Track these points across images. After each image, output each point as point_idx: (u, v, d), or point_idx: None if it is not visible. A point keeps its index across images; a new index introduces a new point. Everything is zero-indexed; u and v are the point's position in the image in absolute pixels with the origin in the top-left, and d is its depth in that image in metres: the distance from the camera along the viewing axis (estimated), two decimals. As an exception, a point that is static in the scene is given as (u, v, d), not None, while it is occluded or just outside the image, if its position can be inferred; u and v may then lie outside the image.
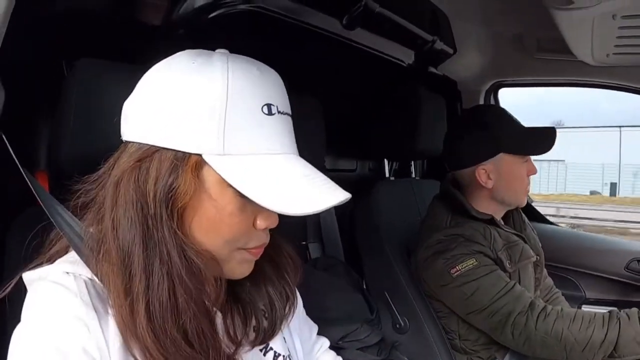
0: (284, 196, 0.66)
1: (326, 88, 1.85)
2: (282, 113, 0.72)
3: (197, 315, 0.68)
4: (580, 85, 2.40)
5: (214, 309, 0.77)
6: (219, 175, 0.68)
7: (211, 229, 0.72)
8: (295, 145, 0.75)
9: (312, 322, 1.06)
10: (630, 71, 2.12)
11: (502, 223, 1.73)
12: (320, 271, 1.73)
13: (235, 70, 0.69)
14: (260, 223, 0.74)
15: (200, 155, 0.68)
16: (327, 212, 1.86)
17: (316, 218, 1.88)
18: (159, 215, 0.68)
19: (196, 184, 0.69)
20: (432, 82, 2.21)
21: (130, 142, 0.71)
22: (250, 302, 0.84)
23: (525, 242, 1.74)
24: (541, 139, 1.64)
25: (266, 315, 0.85)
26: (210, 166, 0.68)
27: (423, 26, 1.79)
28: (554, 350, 1.48)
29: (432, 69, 2.23)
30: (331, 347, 1.08)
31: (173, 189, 0.68)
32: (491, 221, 1.67)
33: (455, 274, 1.57)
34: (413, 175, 2.27)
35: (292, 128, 0.75)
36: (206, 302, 0.71)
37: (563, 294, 2.02)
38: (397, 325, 1.79)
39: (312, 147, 1.55)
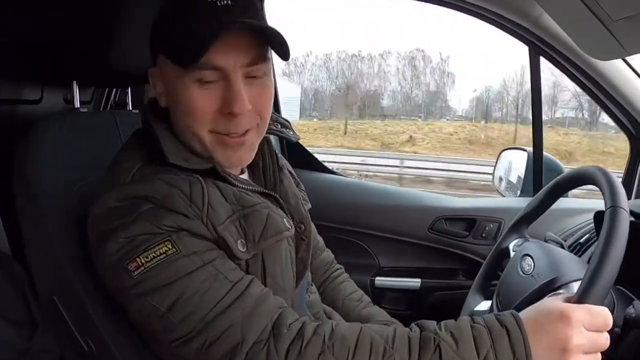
0: None
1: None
2: None
3: None
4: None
5: None
6: None
7: None
8: None
9: None
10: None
11: (235, 174, 1.04)
12: None
13: None
14: None
15: None
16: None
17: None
18: None
19: None
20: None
21: None
22: None
23: (279, 203, 1.08)
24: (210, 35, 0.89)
25: None
26: None
27: None
28: None
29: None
30: None
31: None
32: (212, 172, 0.98)
33: (137, 272, 0.85)
34: (130, 107, 1.53)
35: None
36: None
37: (353, 265, 1.53)
38: (79, 350, 1.07)
39: None
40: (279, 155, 1.19)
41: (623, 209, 0.92)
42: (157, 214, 0.87)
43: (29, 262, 1.12)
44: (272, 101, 1.02)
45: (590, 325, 0.82)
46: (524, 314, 0.87)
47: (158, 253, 0.85)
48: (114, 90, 1.71)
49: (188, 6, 0.93)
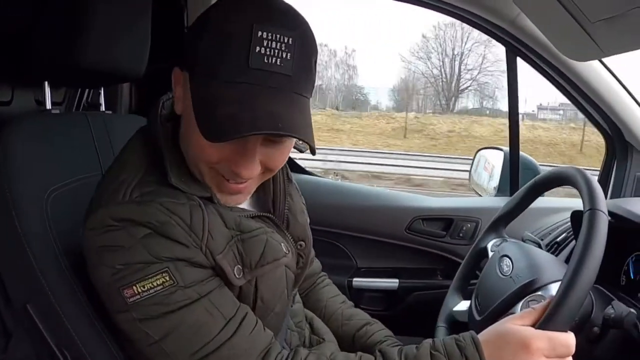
0: None
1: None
2: None
3: None
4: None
5: None
6: None
7: None
8: None
9: None
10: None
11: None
12: None
13: None
14: None
15: None
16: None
17: None
18: None
19: None
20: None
21: None
22: None
23: (278, 226, 1.03)
24: (236, 125, 0.78)
25: None
26: None
27: None
28: None
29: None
30: None
31: None
32: (210, 198, 0.94)
33: (132, 299, 0.83)
34: (103, 108, 1.46)
35: None
36: None
37: (330, 266, 1.50)
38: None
39: None
40: (289, 175, 1.14)
41: (602, 211, 0.92)
42: (155, 242, 0.84)
43: (1, 270, 1.07)
44: (287, 157, 0.95)
45: (550, 353, 0.84)
46: (484, 336, 0.89)
47: (155, 284, 0.83)
48: (86, 90, 1.67)
49: (235, 46, 0.78)
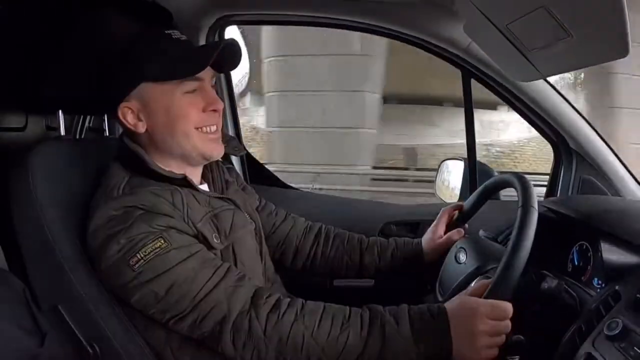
0: None
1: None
2: None
3: None
4: (322, 24, 2.06)
5: None
6: None
7: None
8: None
9: None
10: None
11: (199, 186, 1.28)
12: None
13: None
14: None
15: None
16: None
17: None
18: None
19: None
20: (136, 9, 1.63)
21: None
22: None
23: (235, 204, 1.32)
24: (203, 54, 1.21)
25: None
26: None
27: None
28: None
29: (135, -9, 1.65)
30: None
31: None
32: (184, 182, 1.21)
33: (137, 264, 1.07)
34: (107, 133, 1.66)
35: None
36: None
37: None
38: (84, 354, 1.22)
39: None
40: (224, 168, 1.42)
41: (532, 207, 1.14)
42: (150, 217, 1.09)
43: (30, 276, 1.23)
44: None
45: (492, 316, 1.07)
46: (446, 305, 1.11)
47: (154, 247, 1.07)
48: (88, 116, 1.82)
49: (162, 43, 1.22)
